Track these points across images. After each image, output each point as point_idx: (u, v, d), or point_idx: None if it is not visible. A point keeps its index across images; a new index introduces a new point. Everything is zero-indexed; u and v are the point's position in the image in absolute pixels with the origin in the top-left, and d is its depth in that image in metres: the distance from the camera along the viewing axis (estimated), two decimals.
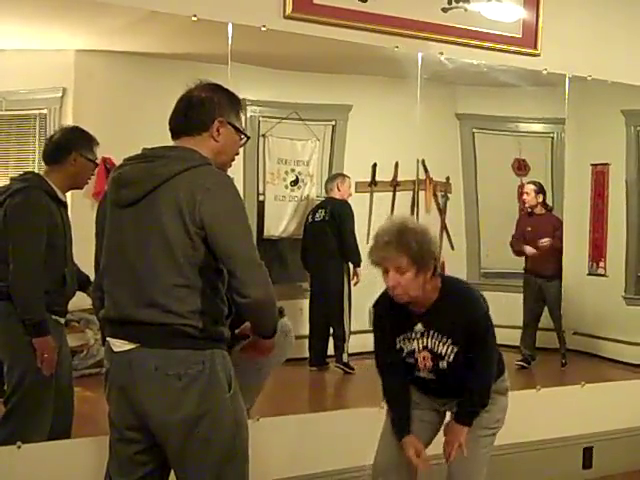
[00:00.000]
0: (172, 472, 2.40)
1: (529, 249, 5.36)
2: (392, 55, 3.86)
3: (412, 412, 2.87)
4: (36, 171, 3.46)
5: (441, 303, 2.75)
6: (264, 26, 3.50)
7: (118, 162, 3.34)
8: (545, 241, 5.24)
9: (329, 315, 5.30)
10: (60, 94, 4.31)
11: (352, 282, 5.27)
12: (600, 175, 5.69)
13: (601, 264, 5.70)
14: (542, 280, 5.30)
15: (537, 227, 5.42)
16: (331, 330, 5.30)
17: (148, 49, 4.24)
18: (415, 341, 2.78)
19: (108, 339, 2.33)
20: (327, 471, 3.57)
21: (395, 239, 2.62)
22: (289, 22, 3.54)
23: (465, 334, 2.72)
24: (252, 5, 3.50)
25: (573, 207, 5.24)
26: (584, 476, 4.29)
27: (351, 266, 5.28)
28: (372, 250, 2.69)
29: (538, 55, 4.18)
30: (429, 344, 2.76)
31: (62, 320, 3.17)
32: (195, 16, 3.36)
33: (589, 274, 5.75)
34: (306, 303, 5.23)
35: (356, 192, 5.61)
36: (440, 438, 2.91)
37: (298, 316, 5.10)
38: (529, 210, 5.49)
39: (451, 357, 2.74)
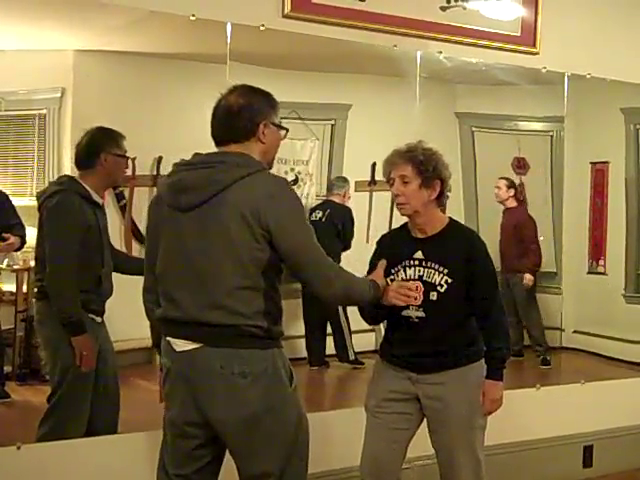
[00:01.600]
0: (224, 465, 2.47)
1: None
2: (391, 54, 3.86)
3: (387, 404, 2.82)
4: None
5: (446, 234, 2.78)
6: (263, 25, 3.50)
7: None
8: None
9: (325, 315, 5.30)
10: (59, 94, 4.32)
11: None
12: (600, 173, 5.69)
13: (601, 262, 5.71)
14: (509, 275, 5.35)
15: (506, 221, 5.57)
16: (329, 330, 5.31)
17: (147, 49, 4.24)
18: (412, 269, 2.77)
19: (168, 339, 2.39)
20: (328, 470, 3.57)
21: (404, 149, 2.75)
22: (288, 21, 3.54)
23: (465, 270, 2.72)
24: (251, 4, 3.50)
25: (573, 205, 5.24)
26: (584, 475, 4.29)
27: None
28: (384, 162, 2.80)
29: (537, 53, 4.18)
30: (424, 274, 2.74)
31: (99, 319, 3.24)
32: (194, 16, 3.35)
33: (589, 272, 5.76)
34: (299, 303, 5.22)
35: (355, 191, 5.62)
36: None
37: (293, 316, 5.11)
38: (501, 203, 5.62)
39: (443, 288, 2.72)
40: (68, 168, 4.23)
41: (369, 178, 5.68)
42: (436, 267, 2.74)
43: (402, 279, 2.76)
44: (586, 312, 5.57)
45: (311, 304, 5.24)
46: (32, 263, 3.90)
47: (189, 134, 4.28)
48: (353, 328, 5.42)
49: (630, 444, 4.41)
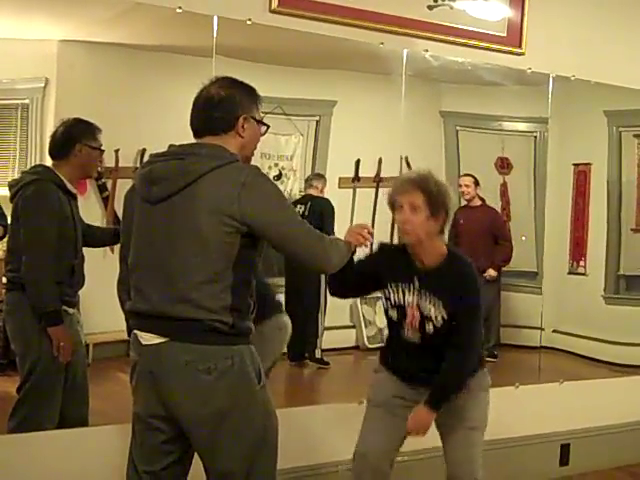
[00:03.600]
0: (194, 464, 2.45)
1: None
2: (377, 51, 3.86)
3: (392, 400, 2.90)
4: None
5: (444, 268, 2.79)
6: (250, 20, 3.49)
7: None
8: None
9: (305, 311, 5.30)
10: (43, 84, 4.28)
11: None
12: (582, 175, 5.73)
13: (581, 263, 5.75)
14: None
15: (472, 219, 5.46)
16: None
17: (132, 40, 4.22)
18: (411, 296, 2.79)
19: (135, 332, 2.37)
20: (303, 466, 3.57)
21: (416, 178, 2.76)
22: (275, 16, 3.53)
23: (457, 305, 2.75)
24: None
25: (555, 206, 5.26)
26: (561, 473, 4.32)
27: None
28: (392, 188, 2.81)
29: (523, 54, 4.19)
30: (421, 304, 2.78)
31: (71, 310, 3.22)
32: (180, 8, 3.33)
33: (569, 273, 5.80)
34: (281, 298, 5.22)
35: (339, 188, 5.62)
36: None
37: None
38: (466, 202, 5.56)
39: (439, 323, 2.76)
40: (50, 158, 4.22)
41: (353, 175, 5.69)
42: (433, 301, 2.77)
43: (400, 302, 2.80)
44: (566, 312, 5.61)
45: (294, 299, 5.24)
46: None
47: (173, 127, 4.24)
48: (334, 324, 5.44)
49: (606, 443, 4.45)
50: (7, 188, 3.23)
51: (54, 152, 3.23)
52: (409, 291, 2.80)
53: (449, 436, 2.92)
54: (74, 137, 3.20)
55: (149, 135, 4.21)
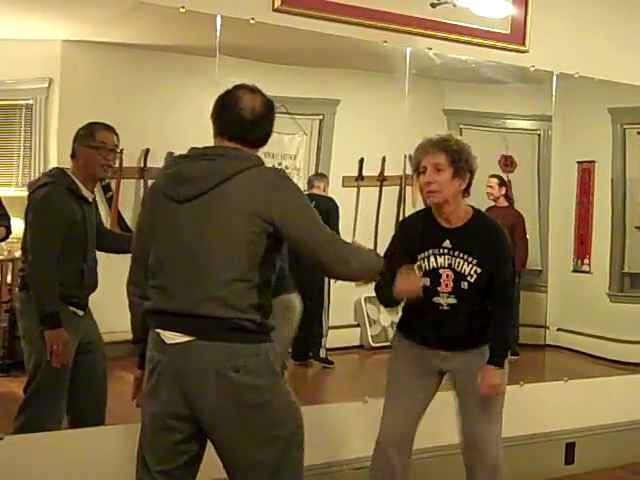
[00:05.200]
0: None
1: None
2: (380, 50, 3.86)
3: (411, 378, 2.96)
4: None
5: (472, 225, 2.88)
6: (253, 19, 3.49)
7: None
8: None
9: (309, 311, 5.30)
10: (46, 84, 4.29)
11: None
12: (586, 172, 5.72)
13: (586, 261, 5.74)
14: None
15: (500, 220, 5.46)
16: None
17: (135, 40, 4.22)
18: (442, 257, 2.86)
19: (158, 331, 2.36)
20: (307, 465, 3.55)
21: (438, 139, 2.83)
22: (278, 15, 3.53)
23: (490, 259, 2.84)
24: None
25: (559, 204, 5.27)
26: (566, 471, 4.31)
27: None
28: (415, 153, 2.88)
29: (526, 52, 4.19)
30: (453, 262, 2.85)
31: (81, 312, 3.23)
32: (183, 7, 3.33)
33: (574, 271, 5.79)
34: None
35: (343, 187, 5.61)
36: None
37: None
38: (493, 203, 5.54)
39: (473, 277, 2.84)
40: (55, 159, 4.23)
41: (356, 173, 5.69)
42: (465, 257, 2.85)
43: (433, 267, 2.87)
44: (570, 310, 5.60)
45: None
46: (17, 254, 3.91)
47: (177, 127, 4.28)
48: (338, 323, 5.43)
49: (612, 442, 4.44)
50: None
51: (71, 156, 3.28)
52: (440, 255, 2.87)
53: (470, 404, 2.96)
54: (74, 139, 3.25)
55: (153, 135, 4.23)
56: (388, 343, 5.79)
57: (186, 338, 2.30)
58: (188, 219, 2.33)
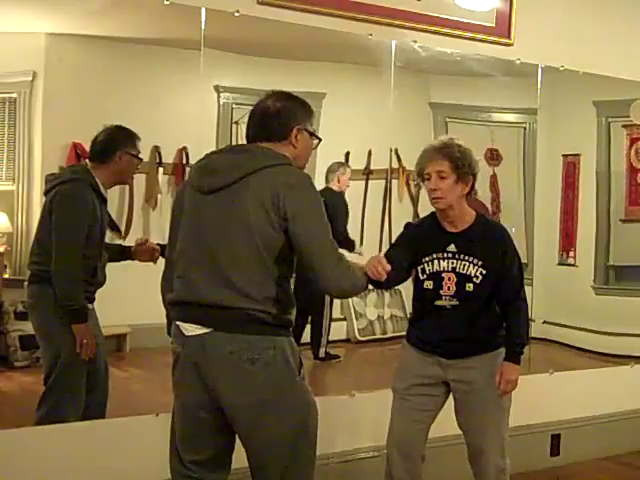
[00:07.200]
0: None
1: None
2: (366, 43, 3.85)
3: (415, 388, 2.98)
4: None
5: (477, 228, 2.93)
6: (238, 11, 3.48)
7: (88, 147, 3.36)
8: None
9: (309, 304, 5.29)
10: (30, 78, 4.26)
11: None
12: (571, 165, 5.74)
13: (571, 254, 5.76)
14: None
15: None
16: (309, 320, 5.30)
17: (120, 33, 4.20)
18: (445, 261, 2.90)
19: (178, 323, 2.40)
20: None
21: (440, 146, 2.89)
22: (263, 8, 3.52)
23: (499, 262, 2.89)
24: None
25: (544, 197, 5.28)
26: (552, 463, 4.34)
27: None
28: (418, 160, 2.94)
29: (511, 45, 4.19)
30: (457, 266, 2.89)
31: (90, 306, 3.26)
32: (168, 0, 3.32)
33: (559, 264, 5.81)
34: None
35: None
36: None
37: None
38: None
39: (479, 279, 2.88)
40: (39, 153, 4.20)
41: None
42: (470, 260, 2.89)
43: (436, 270, 2.91)
44: (556, 303, 5.62)
45: (299, 292, 5.23)
46: (8, 248, 3.89)
47: (162, 120, 4.26)
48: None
49: (597, 433, 4.47)
50: None
51: (94, 156, 3.29)
52: (444, 258, 2.91)
53: (472, 418, 3.00)
54: (116, 144, 3.26)
55: (137, 128, 4.19)
56: (374, 337, 5.86)
57: (204, 330, 2.34)
58: (211, 210, 2.38)
